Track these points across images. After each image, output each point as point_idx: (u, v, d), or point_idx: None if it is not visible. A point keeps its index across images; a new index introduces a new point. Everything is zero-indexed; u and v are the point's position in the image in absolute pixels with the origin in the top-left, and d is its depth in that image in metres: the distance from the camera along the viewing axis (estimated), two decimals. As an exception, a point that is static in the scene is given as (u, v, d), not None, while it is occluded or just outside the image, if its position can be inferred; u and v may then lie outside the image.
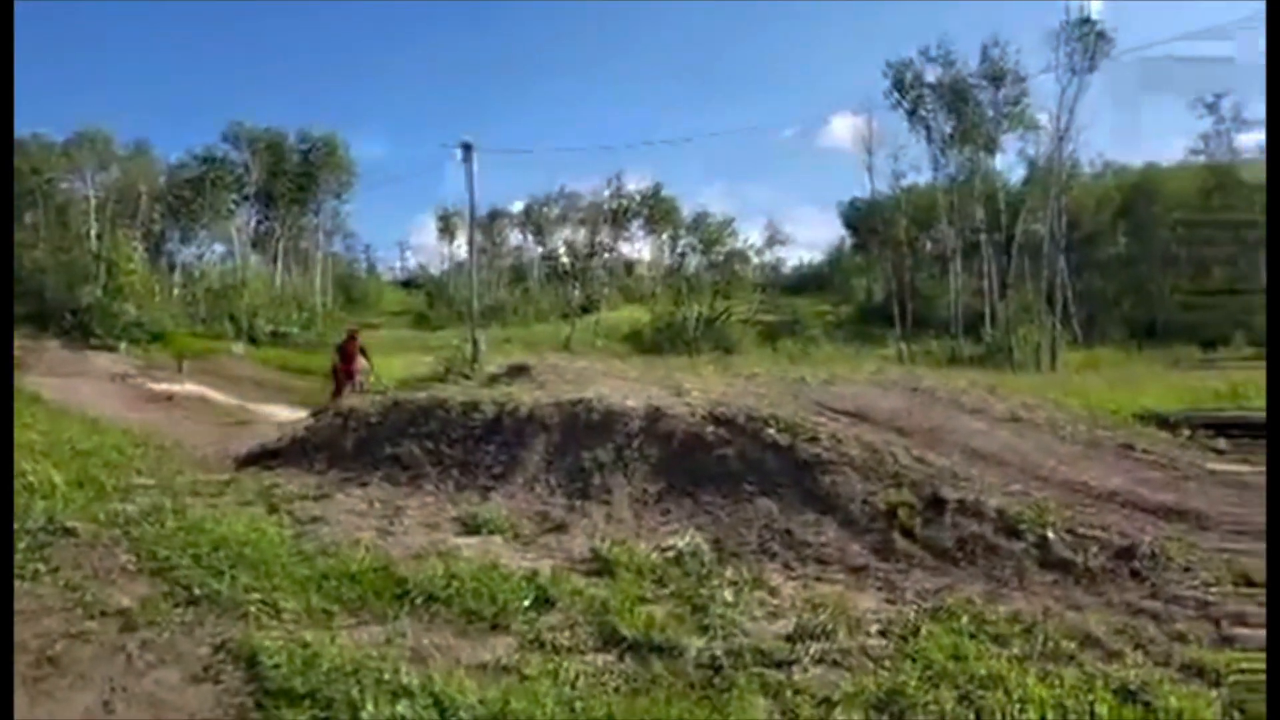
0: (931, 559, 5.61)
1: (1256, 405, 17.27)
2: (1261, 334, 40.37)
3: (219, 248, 52.46)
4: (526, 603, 4.93)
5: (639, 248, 62.17)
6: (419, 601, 4.96)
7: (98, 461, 9.21)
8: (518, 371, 11.00)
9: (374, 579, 5.27)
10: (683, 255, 59.12)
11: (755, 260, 60.97)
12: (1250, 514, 6.37)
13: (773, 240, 60.15)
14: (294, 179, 51.26)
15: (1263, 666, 3.96)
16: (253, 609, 4.80)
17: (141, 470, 9.03)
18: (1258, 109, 47.26)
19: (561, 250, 59.72)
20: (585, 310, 52.54)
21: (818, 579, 5.48)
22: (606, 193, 55.97)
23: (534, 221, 61.49)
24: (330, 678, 3.91)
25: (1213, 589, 4.87)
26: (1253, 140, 45.68)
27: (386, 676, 3.93)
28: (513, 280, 61.99)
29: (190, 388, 22.25)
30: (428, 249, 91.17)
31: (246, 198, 50.87)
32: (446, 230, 63.36)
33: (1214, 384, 20.42)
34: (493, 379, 11.37)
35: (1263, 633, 4.35)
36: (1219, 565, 5.12)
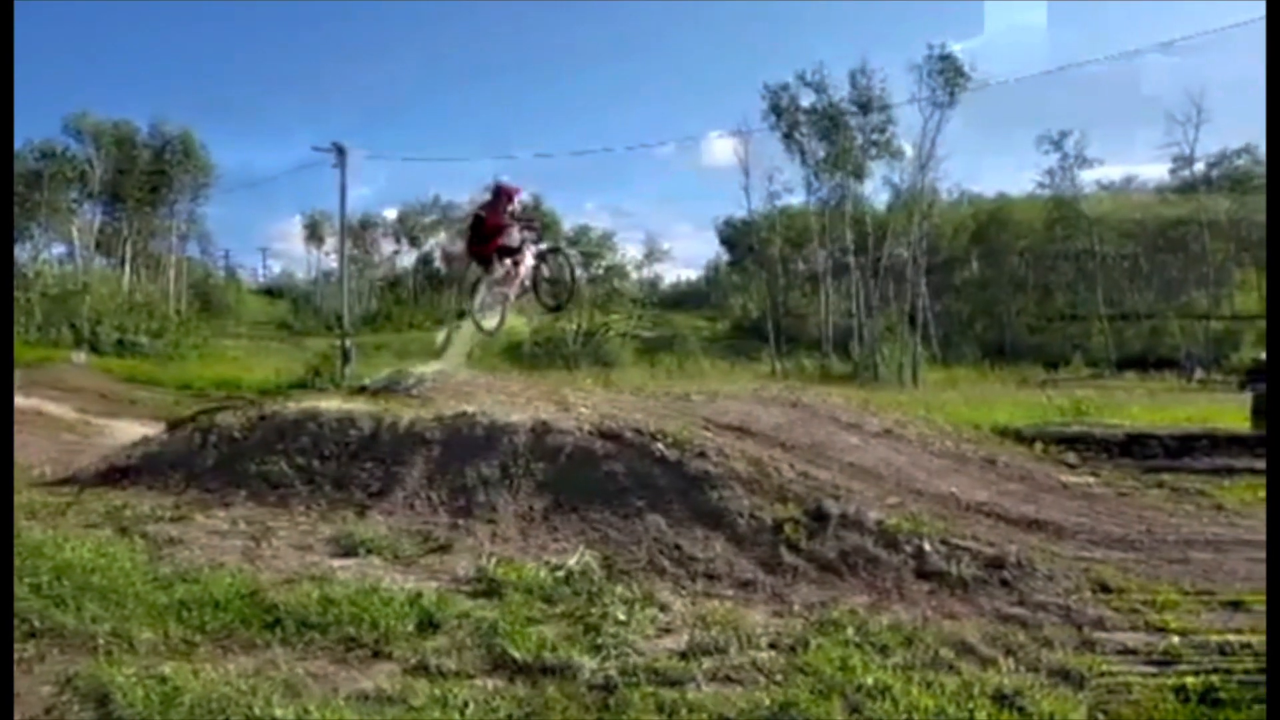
0: (816, 571, 5.73)
1: (1098, 421, 18.78)
2: (1097, 356, 44.03)
3: (59, 249, 48.51)
4: (410, 627, 4.72)
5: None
6: (291, 629, 4.66)
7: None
8: (395, 382, 10.60)
9: (240, 606, 4.91)
10: (561, 266, 58.89)
11: (634, 275, 61.52)
12: (1100, 524, 6.86)
13: (651, 255, 60.80)
14: (145, 177, 47.97)
15: (1124, 669, 4.23)
16: (102, 641, 4.38)
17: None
18: (1098, 148, 51.71)
19: (437, 258, 58.40)
20: (461, 319, 51.58)
21: (708, 594, 5.50)
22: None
23: (409, 229, 59.89)
24: (193, 714, 3.63)
25: (1073, 596, 5.16)
26: (1093, 176, 49.92)
27: (257, 711, 3.67)
28: (386, 289, 60.13)
29: (23, 401, 20.34)
30: (293, 255, 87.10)
31: (90, 195, 47.19)
32: (314, 236, 60.73)
33: (1059, 401, 22.05)
34: (367, 390, 10.91)
35: (1120, 636, 4.67)
36: (1077, 573, 5.45)
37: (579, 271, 11.70)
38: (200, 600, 4.94)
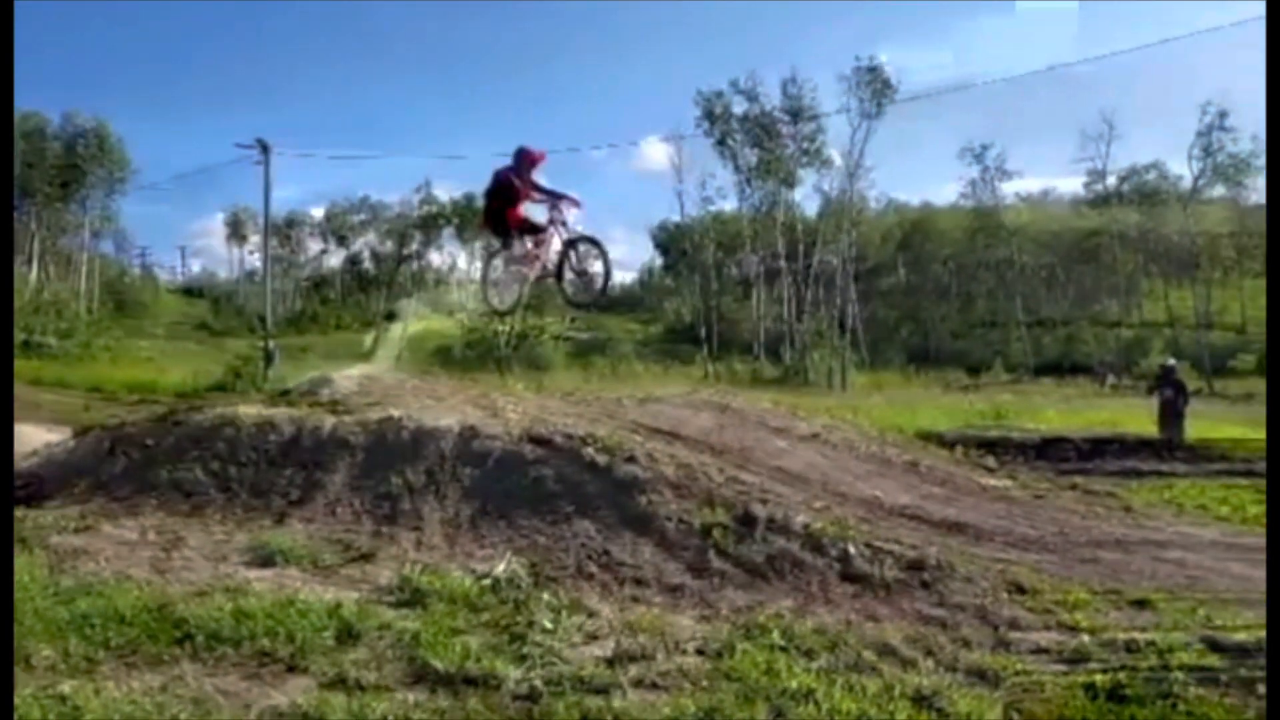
0: (744, 576, 5.76)
1: (1016, 425, 19.46)
2: (1016, 362, 45.61)
3: (-42, 245, 45.94)
4: (328, 639, 4.57)
5: (450, 258, 60.56)
6: (202, 643, 4.47)
7: None
8: (319, 386, 10.32)
9: (148, 620, 4.69)
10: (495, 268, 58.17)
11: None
12: (1016, 526, 7.08)
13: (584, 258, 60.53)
14: (56, 171, 45.86)
15: (1037, 668, 4.36)
16: (-6, 661, 4.12)
17: None
18: (1018, 160, 53.71)
19: (366, 258, 57.18)
20: (390, 320, 50.52)
21: (635, 600, 5.48)
22: (416, 199, 54.19)
23: (336, 228, 58.49)
24: (94, 736, 3.42)
25: (990, 597, 5.31)
26: (1012, 188, 51.81)
27: (162, 730, 3.49)
28: (312, 289, 58.62)
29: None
30: (215, 254, 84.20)
31: (-5, 189, 44.91)
32: (237, 234, 58.98)
33: (980, 405, 22.73)
34: (290, 394, 10.60)
35: (1034, 635, 4.81)
36: (994, 574, 5.60)
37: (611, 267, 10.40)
38: (104, 614, 4.71)
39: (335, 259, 59.76)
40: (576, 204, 9.21)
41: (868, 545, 5.93)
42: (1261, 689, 4.14)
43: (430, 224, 54.74)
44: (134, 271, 60.32)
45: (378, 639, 4.61)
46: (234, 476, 7.62)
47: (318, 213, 58.51)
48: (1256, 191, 48.43)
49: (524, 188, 8.99)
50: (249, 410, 8.73)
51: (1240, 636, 4.58)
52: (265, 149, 23.52)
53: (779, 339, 45.22)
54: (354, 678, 4.15)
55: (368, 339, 45.80)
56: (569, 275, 9.16)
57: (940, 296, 52.78)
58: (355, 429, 7.89)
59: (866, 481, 7.92)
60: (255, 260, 55.31)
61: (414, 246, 55.89)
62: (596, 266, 9.43)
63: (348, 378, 10.84)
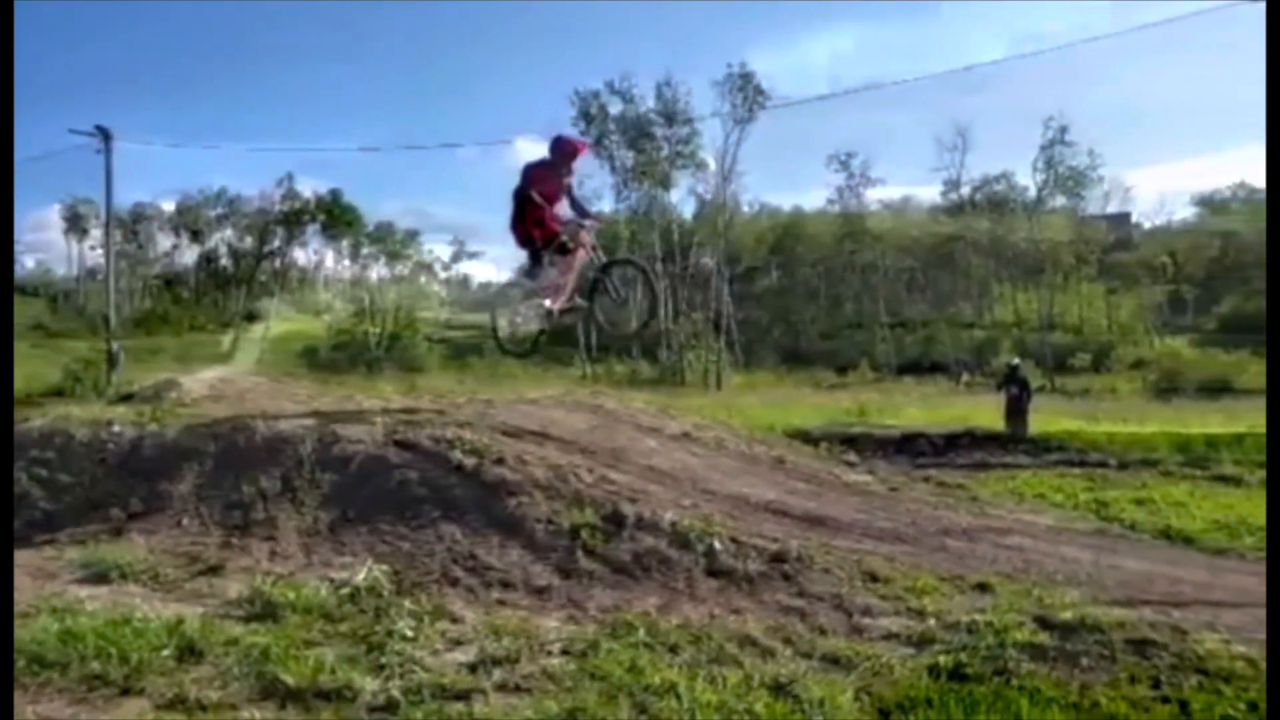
0: (612, 575, 5.77)
1: (879, 422, 20.42)
2: (880, 361, 47.84)
3: None
4: (168, 658, 4.29)
5: (315, 256, 58.12)
6: (24, 668, 4.11)
7: None
8: (165, 390, 9.68)
9: (-40, 646, 4.27)
10: (364, 266, 56.35)
11: (442, 275, 59.91)
12: (874, 519, 7.39)
13: (459, 255, 59.35)
14: None
15: (887, 652, 4.56)
16: None
17: None
18: (882, 169, 56.41)
19: (223, 254, 54.16)
20: (250, 320, 48.09)
21: (502, 603, 5.40)
22: (277, 194, 51.71)
23: (189, 222, 55.10)
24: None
25: (846, 586, 5.52)
26: (876, 195, 54.40)
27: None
28: (163, 287, 55.05)
29: None
30: (52, 248, 77.69)
31: None
32: (76, 228, 54.73)
33: (846, 404, 23.69)
34: (133, 399, 9.90)
35: (885, 621, 5.03)
36: (850, 565, 5.82)
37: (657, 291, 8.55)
38: (-94, 643, 4.25)
39: (189, 255, 56.45)
40: (598, 222, 8.43)
41: (733, 540, 6.05)
42: (1085, 662, 4.49)
43: (293, 219, 52.37)
44: (-44, 267, 55.00)
45: (223, 655, 4.35)
46: (66, 487, 7.07)
47: (169, 206, 55.07)
48: (1093, 202, 52.76)
49: (557, 189, 7.94)
50: (85, 416, 8.11)
51: (1066, 615, 4.92)
52: (107, 136, 21.89)
53: (656, 340, 45.79)
54: (195, 697, 3.90)
55: (226, 340, 43.39)
56: (604, 303, 8.22)
57: (810, 298, 54.86)
58: (204, 434, 7.45)
59: (734, 479, 8.09)
60: (97, 255, 51.52)
61: (276, 243, 53.33)
62: (641, 294, 8.61)
63: (199, 381, 10.23)
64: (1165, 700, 4.10)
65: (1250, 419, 20.95)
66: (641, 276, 8.32)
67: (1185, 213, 59.97)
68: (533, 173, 7.85)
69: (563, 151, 7.99)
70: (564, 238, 7.93)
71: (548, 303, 8.16)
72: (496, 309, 8.97)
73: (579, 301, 8.29)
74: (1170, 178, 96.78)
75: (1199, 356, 44.41)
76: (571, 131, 45.16)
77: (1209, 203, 58.56)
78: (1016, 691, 4.13)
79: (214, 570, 5.83)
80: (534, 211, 7.79)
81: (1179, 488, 12.35)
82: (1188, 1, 59.43)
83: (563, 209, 8.04)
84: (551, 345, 50.59)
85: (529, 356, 9.07)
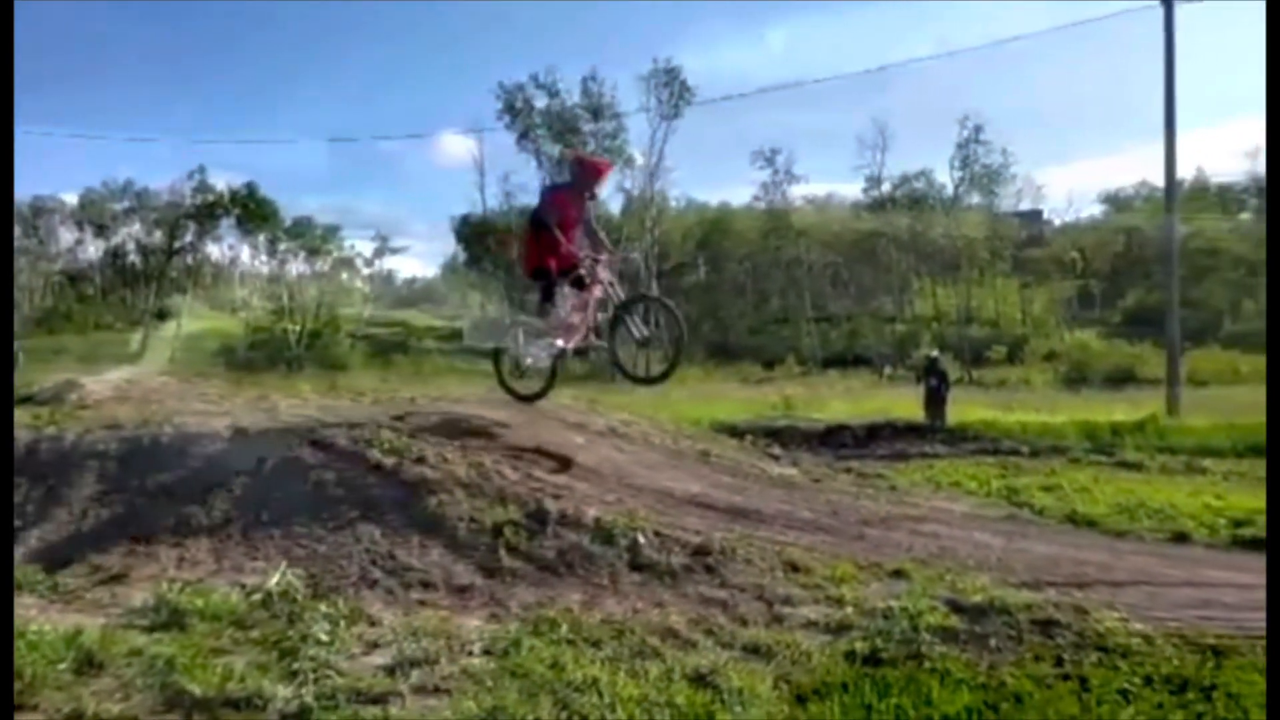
0: (536, 572, 5.73)
1: (803, 415, 20.79)
2: (806, 355, 48.63)
3: None
4: (65, 671, 4.09)
5: (230, 252, 56.03)
6: (-98, 690, 3.86)
7: None
8: (65, 391, 9.22)
9: None
10: (283, 262, 54.59)
11: (365, 270, 58.60)
12: (796, 510, 7.51)
13: (382, 250, 58.07)
14: None
15: (805, 640, 4.64)
16: None
17: None
18: (806, 165, 57.45)
19: (131, 249, 51.82)
20: (161, 318, 46.18)
21: (422, 604, 5.31)
22: (188, 187, 49.65)
23: (94, 216, 52.55)
24: None
25: (767, 576, 5.60)
26: (800, 192, 55.30)
27: None
28: (66, 284, 52.45)
29: None
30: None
31: None
32: (-30, 221, 51.69)
33: (772, 398, 24.05)
34: (33, 400, 9.40)
35: (804, 610, 5.12)
36: (772, 556, 5.90)
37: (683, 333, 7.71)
38: None
39: (94, 250, 53.80)
40: (615, 257, 7.94)
41: (657, 535, 6.07)
42: (994, 643, 4.65)
43: (206, 214, 50.36)
44: None
45: (125, 667, 4.17)
46: (-46, 496, 6.65)
47: (71, 199, 52.41)
48: (1006, 200, 54.66)
49: (579, 213, 7.48)
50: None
51: (977, 598, 5.09)
52: (4, 124, 20.70)
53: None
54: (93, 711, 3.74)
55: (134, 339, 41.60)
56: (625, 342, 7.71)
57: (738, 294, 55.53)
58: (107, 436, 7.13)
59: (659, 473, 8.11)
60: (-5, 251, 48.78)
61: (188, 238, 51.24)
62: (665, 334, 7.88)
63: (103, 382, 9.78)
64: (1066, 678, 4.28)
65: (1150, 407, 22.08)
66: (666, 315, 7.77)
67: (1092, 210, 62.50)
68: (553, 197, 7.50)
69: (584, 173, 7.75)
70: (581, 271, 7.57)
71: (560, 342, 7.71)
72: (499, 349, 8.46)
73: (594, 340, 7.88)
74: (1078, 176, 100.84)
75: (1106, 348, 46.51)
76: (497, 125, 44.87)
77: (1114, 200, 61.26)
78: (928, 674, 4.26)
79: (117, 579, 5.59)
80: (550, 240, 7.36)
81: (1084, 473, 12.91)
82: (1096, 3, 62.01)
83: (577, 236, 7.63)
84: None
85: (538, 400, 8.51)
